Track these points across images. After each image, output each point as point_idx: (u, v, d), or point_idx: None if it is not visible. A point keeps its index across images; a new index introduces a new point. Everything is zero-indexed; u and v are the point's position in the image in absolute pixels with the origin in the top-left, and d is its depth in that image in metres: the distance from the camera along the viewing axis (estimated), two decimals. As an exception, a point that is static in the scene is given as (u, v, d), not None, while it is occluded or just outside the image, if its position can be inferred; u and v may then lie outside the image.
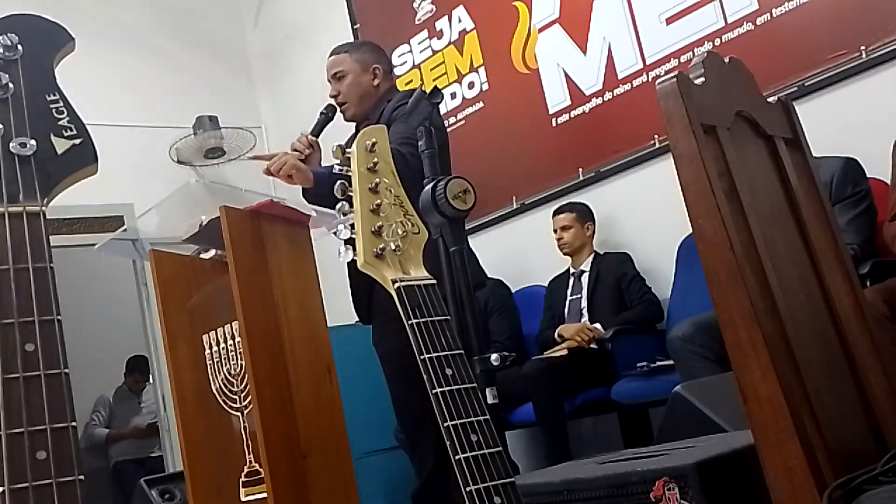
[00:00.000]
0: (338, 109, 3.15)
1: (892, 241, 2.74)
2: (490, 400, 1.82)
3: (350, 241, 1.22)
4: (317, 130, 3.08)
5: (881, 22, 3.36)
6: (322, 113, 3.12)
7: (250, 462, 2.38)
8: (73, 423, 0.87)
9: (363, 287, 3.00)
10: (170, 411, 5.45)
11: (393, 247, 1.19)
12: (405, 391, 2.96)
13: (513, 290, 4.57)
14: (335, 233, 2.46)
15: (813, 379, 1.36)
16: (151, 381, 6.21)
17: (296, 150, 3.04)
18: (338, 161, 1.23)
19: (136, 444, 6.66)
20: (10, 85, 0.97)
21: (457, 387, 1.10)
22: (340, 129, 3.25)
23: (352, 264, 3.01)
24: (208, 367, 2.47)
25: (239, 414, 2.40)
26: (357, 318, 3.16)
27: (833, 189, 3.03)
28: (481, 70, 4.93)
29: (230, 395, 2.40)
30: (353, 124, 3.20)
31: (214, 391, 2.45)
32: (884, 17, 3.36)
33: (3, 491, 0.83)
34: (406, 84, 5.24)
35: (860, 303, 1.62)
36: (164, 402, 5.69)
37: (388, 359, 3.03)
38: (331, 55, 3.18)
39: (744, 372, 1.31)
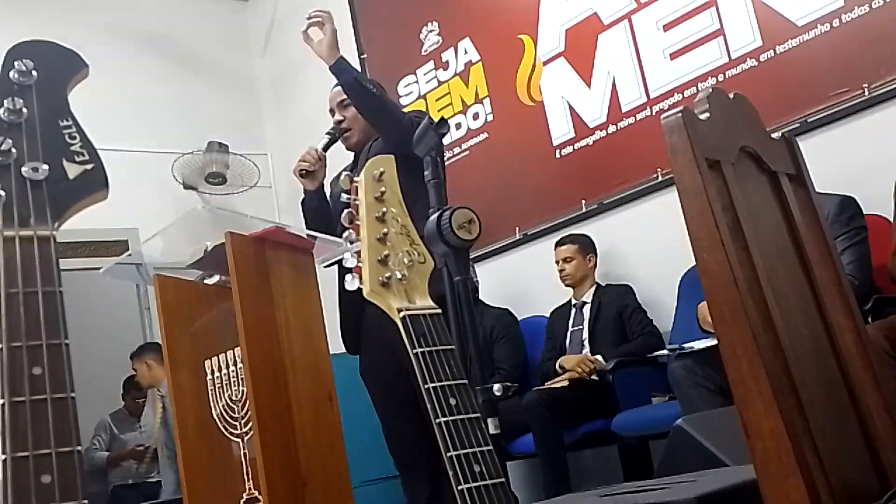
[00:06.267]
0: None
1: None
2: (492, 430, 1.82)
3: (348, 270, 1.23)
4: (325, 147, 3.13)
5: (884, 60, 3.39)
6: (328, 133, 3.15)
7: (250, 489, 2.37)
8: (79, 448, 0.87)
9: (352, 317, 3.00)
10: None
11: (399, 276, 1.19)
12: (397, 421, 2.95)
13: (516, 320, 4.57)
14: (327, 266, 2.48)
15: (815, 414, 1.35)
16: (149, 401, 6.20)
17: (304, 162, 3.07)
18: (346, 189, 1.24)
19: (135, 468, 6.61)
20: (24, 110, 0.98)
21: (461, 417, 1.10)
22: (343, 156, 3.28)
23: (342, 293, 3.03)
24: (209, 392, 2.47)
25: (239, 440, 2.39)
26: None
27: (829, 225, 3.03)
28: (486, 101, 4.97)
29: (231, 421, 2.40)
30: (353, 153, 3.23)
31: (215, 417, 2.44)
32: (886, 55, 3.38)
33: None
34: (412, 114, 5.27)
35: (862, 339, 1.62)
36: (164, 427, 5.66)
37: (379, 389, 3.02)
38: (335, 86, 3.21)
39: (746, 406, 1.31)
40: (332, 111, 3.19)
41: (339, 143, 3.20)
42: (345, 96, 3.16)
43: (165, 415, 5.68)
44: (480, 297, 4.64)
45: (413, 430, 2.81)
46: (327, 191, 3.16)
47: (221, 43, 6.58)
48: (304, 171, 3.08)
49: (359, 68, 5.61)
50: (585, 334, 4.15)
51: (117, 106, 5.73)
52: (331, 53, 2.92)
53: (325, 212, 3.08)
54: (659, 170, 4.10)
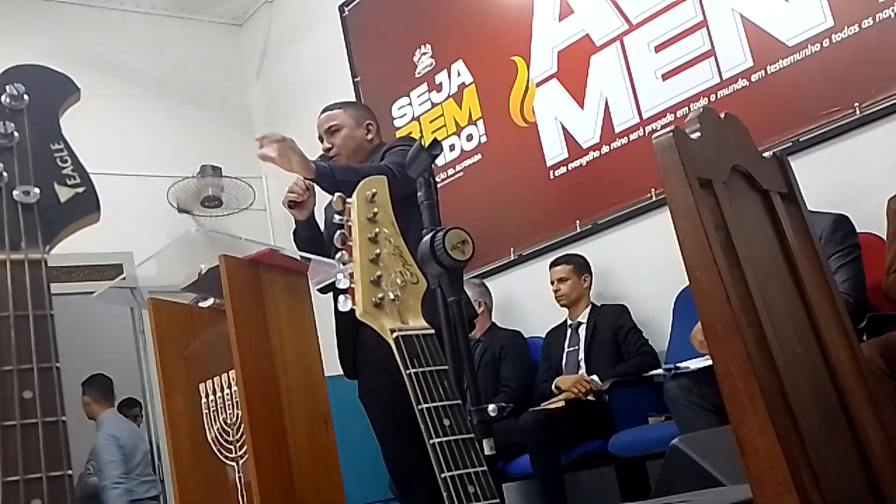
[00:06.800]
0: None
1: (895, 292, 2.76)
2: (487, 451, 1.81)
3: (341, 291, 1.22)
4: None
5: (875, 79, 3.41)
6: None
7: (244, 513, 2.36)
8: (69, 472, 0.87)
9: (348, 340, 2.99)
10: (164, 460, 5.40)
11: (392, 296, 1.19)
12: (397, 443, 2.93)
13: (509, 342, 4.56)
14: (320, 289, 2.47)
15: (810, 432, 1.35)
16: (143, 414, 6.23)
17: (292, 193, 3.06)
18: (338, 210, 1.24)
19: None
20: (16, 134, 0.98)
21: (454, 437, 1.10)
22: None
23: (338, 316, 3.00)
24: (204, 416, 2.46)
25: (234, 464, 2.38)
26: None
27: (823, 244, 3.04)
28: (480, 123, 4.98)
29: (226, 444, 2.39)
30: None
31: (210, 441, 2.43)
32: (877, 74, 3.40)
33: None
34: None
35: (857, 357, 1.62)
36: (158, 450, 5.64)
37: (378, 412, 3.00)
38: (323, 112, 3.22)
39: (741, 425, 1.30)
40: (320, 138, 3.19)
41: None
42: (333, 122, 3.16)
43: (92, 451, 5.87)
44: (493, 318, 4.67)
45: (412, 451, 2.79)
46: (319, 219, 3.16)
47: (215, 67, 6.61)
48: (292, 203, 3.06)
49: (353, 92, 5.65)
50: (581, 355, 4.14)
51: (112, 130, 5.74)
52: (307, 168, 2.84)
53: (317, 241, 3.07)
54: (653, 190, 4.11)
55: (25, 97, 1.01)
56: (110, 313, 5.57)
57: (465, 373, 1.89)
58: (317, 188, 3.11)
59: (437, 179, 4.55)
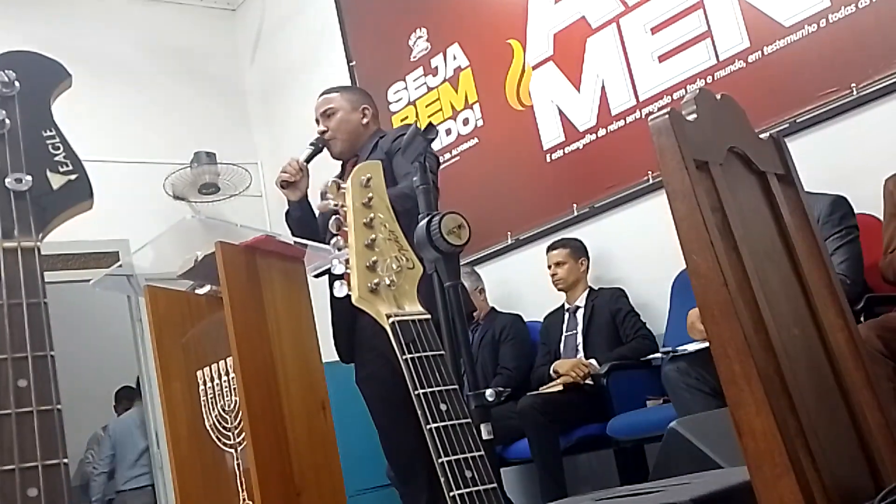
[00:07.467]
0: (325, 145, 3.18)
1: (892, 273, 2.76)
2: (485, 436, 1.81)
3: (337, 277, 1.22)
4: (308, 158, 3.11)
5: (872, 59, 3.40)
6: (312, 144, 3.15)
7: (244, 499, 2.36)
8: (66, 460, 0.87)
9: (344, 325, 2.99)
10: (163, 448, 5.41)
11: (388, 282, 1.19)
12: (395, 429, 2.94)
13: (507, 326, 4.57)
14: (316, 275, 2.47)
15: (808, 414, 1.35)
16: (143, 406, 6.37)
17: (285, 172, 3.07)
18: (332, 196, 1.24)
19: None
20: (7, 121, 0.98)
21: (451, 422, 1.10)
22: (329, 164, 3.27)
23: (334, 302, 3.01)
24: (202, 403, 2.45)
25: (233, 451, 2.38)
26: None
27: (821, 225, 3.04)
28: (476, 107, 4.97)
29: (224, 431, 2.39)
30: (340, 161, 3.23)
31: (208, 428, 2.43)
32: (874, 55, 3.39)
33: (-6, 528, 0.83)
34: (402, 121, 5.28)
35: (854, 338, 1.62)
36: (157, 438, 5.65)
37: (375, 397, 3.01)
38: (321, 96, 3.23)
39: (738, 407, 1.30)
40: (317, 121, 3.19)
41: (326, 154, 3.19)
42: (329, 105, 3.17)
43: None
44: (490, 303, 4.68)
45: (410, 437, 2.79)
46: (313, 203, 3.16)
47: (210, 53, 6.58)
48: (285, 182, 3.07)
49: (348, 76, 5.63)
50: (579, 338, 4.15)
51: (107, 117, 5.73)
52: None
53: (308, 221, 3.07)
54: (650, 172, 4.10)
55: (16, 84, 1.00)
56: (107, 301, 5.57)
57: (462, 357, 1.89)
58: (310, 168, 3.11)
59: (434, 164, 4.54)
